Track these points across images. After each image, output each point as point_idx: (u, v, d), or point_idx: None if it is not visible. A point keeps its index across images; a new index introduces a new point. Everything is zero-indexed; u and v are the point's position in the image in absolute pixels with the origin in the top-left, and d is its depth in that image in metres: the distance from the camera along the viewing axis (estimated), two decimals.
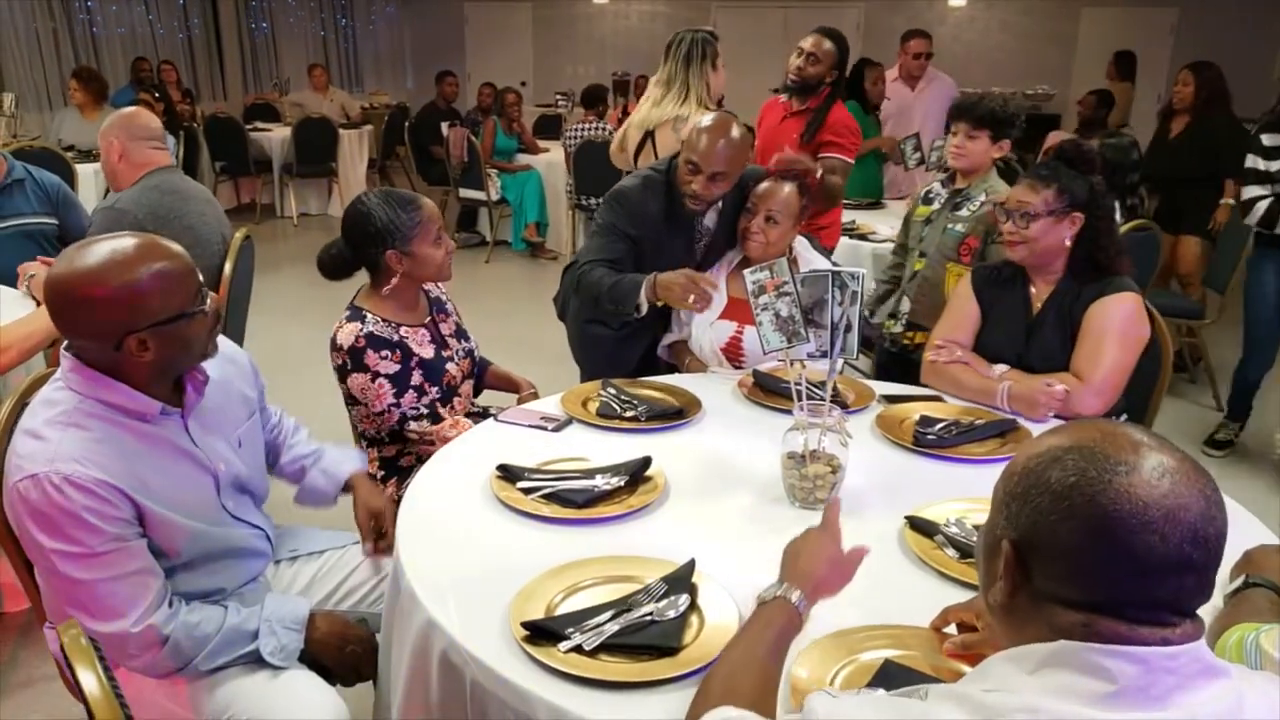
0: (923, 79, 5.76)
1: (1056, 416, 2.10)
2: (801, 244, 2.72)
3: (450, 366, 2.27)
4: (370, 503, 1.87)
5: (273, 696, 1.50)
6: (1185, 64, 4.90)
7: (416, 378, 2.19)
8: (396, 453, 2.26)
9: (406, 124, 8.60)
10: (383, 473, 2.26)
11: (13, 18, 8.66)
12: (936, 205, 3.05)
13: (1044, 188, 2.21)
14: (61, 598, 1.45)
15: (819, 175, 2.70)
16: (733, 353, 2.59)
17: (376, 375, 2.13)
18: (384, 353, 2.14)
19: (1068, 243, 2.23)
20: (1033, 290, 2.31)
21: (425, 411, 2.18)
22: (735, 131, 2.45)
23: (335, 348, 2.15)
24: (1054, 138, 8.25)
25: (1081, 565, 0.80)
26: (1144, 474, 0.79)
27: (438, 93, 8.55)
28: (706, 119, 2.49)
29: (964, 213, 2.94)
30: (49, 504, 1.37)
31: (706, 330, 2.62)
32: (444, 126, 7.56)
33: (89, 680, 1.00)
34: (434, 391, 2.22)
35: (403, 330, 2.20)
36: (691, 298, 2.28)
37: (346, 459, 1.95)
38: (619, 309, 2.45)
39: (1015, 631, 0.86)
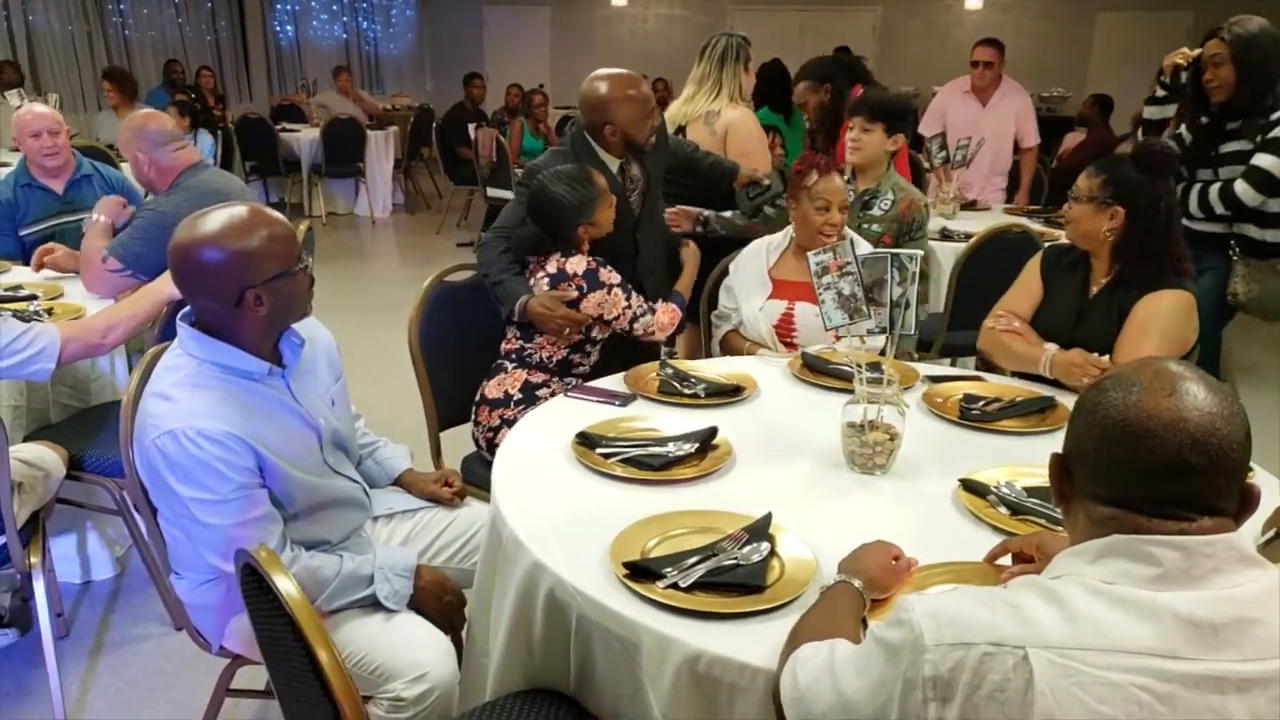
0: (996, 92, 5.21)
1: None
2: (851, 234, 2.85)
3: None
4: (425, 483, 2.06)
5: (388, 635, 1.66)
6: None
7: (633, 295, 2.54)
8: (542, 381, 2.52)
9: (434, 125, 8.77)
10: (520, 396, 2.49)
11: (48, 21, 8.87)
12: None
13: (1094, 176, 2.29)
14: (198, 543, 1.61)
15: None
16: (785, 330, 2.72)
17: (611, 287, 2.47)
18: (609, 268, 2.50)
19: (1106, 233, 2.28)
20: (1093, 275, 2.38)
21: (648, 308, 2.54)
22: (628, 82, 2.65)
23: (569, 275, 2.45)
24: (1071, 139, 8.37)
25: (1101, 467, 0.97)
26: (1153, 392, 0.94)
27: (465, 95, 8.73)
28: (603, 79, 2.65)
29: (876, 211, 3.10)
30: (185, 455, 1.53)
31: (758, 314, 2.76)
32: (471, 128, 7.72)
33: (284, 583, 1.14)
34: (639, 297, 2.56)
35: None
36: (567, 330, 2.46)
37: (399, 456, 2.13)
38: (497, 304, 2.56)
39: (1073, 532, 1.01)
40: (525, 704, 1.56)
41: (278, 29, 11.73)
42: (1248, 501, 0.97)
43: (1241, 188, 3.16)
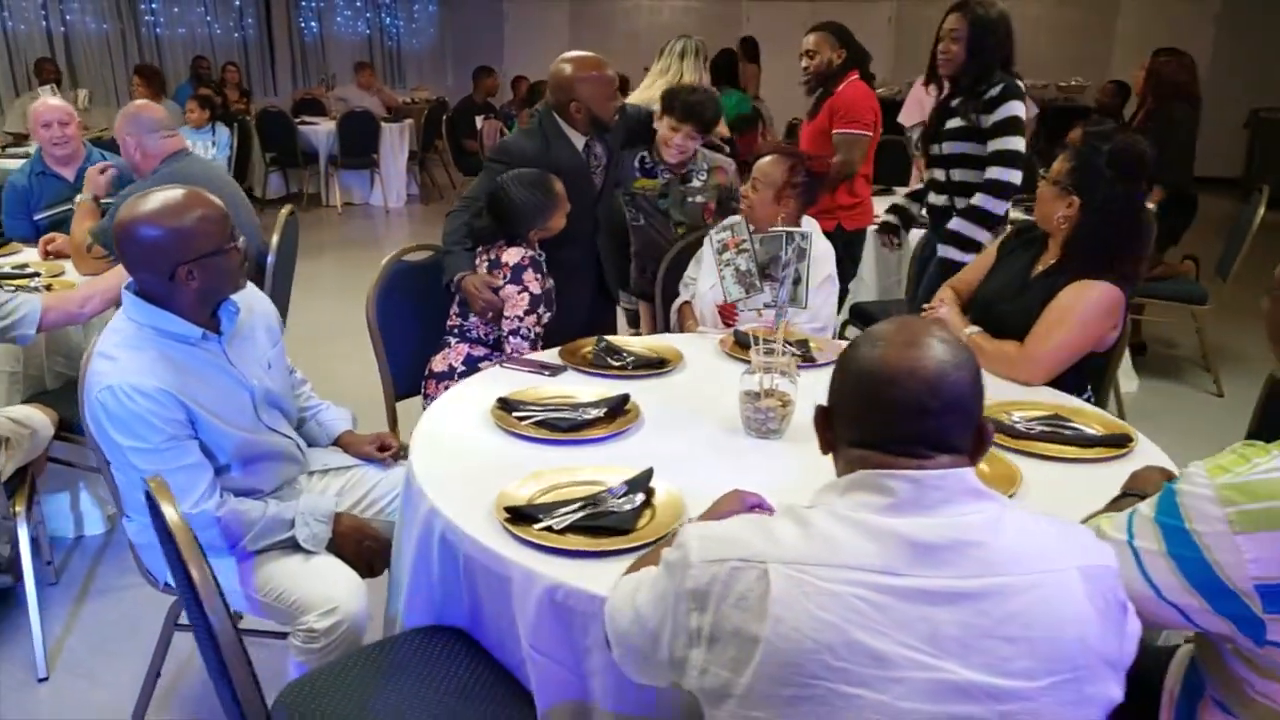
0: None
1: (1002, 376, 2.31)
2: (809, 224, 2.97)
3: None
4: (361, 444, 2.24)
5: (305, 573, 1.85)
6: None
7: (541, 306, 2.64)
8: (484, 355, 2.69)
9: (444, 118, 8.98)
10: (464, 369, 2.65)
11: (84, 20, 9.21)
12: (660, 179, 3.36)
13: (1066, 161, 2.33)
14: (137, 488, 1.79)
15: (824, 161, 2.97)
16: (728, 313, 2.88)
17: (526, 290, 2.60)
18: (541, 274, 2.65)
19: (1059, 220, 2.32)
20: (1042, 255, 2.44)
21: (532, 336, 2.64)
22: (590, 63, 2.85)
23: (501, 264, 2.62)
24: (1078, 131, 8.40)
25: (853, 414, 1.10)
26: (894, 345, 1.08)
27: (475, 87, 8.92)
28: (569, 61, 2.85)
29: (696, 183, 3.33)
30: (122, 408, 1.73)
31: (707, 293, 2.91)
32: (478, 120, 7.91)
33: (169, 511, 1.32)
34: (545, 319, 2.67)
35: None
36: (490, 314, 2.63)
37: (340, 419, 2.31)
38: (443, 269, 2.74)
39: (838, 473, 1.14)
40: (425, 637, 1.73)
41: (303, 25, 12.01)
42: (982, 440, 1.10)
43: (1002, 173, 3.08)
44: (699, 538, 1.10)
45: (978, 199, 3.11)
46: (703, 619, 1.05)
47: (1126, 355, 4.56)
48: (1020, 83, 3.14)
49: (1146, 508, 1.18)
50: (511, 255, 2.62)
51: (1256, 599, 1.05)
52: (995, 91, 3.10)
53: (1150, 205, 4.57)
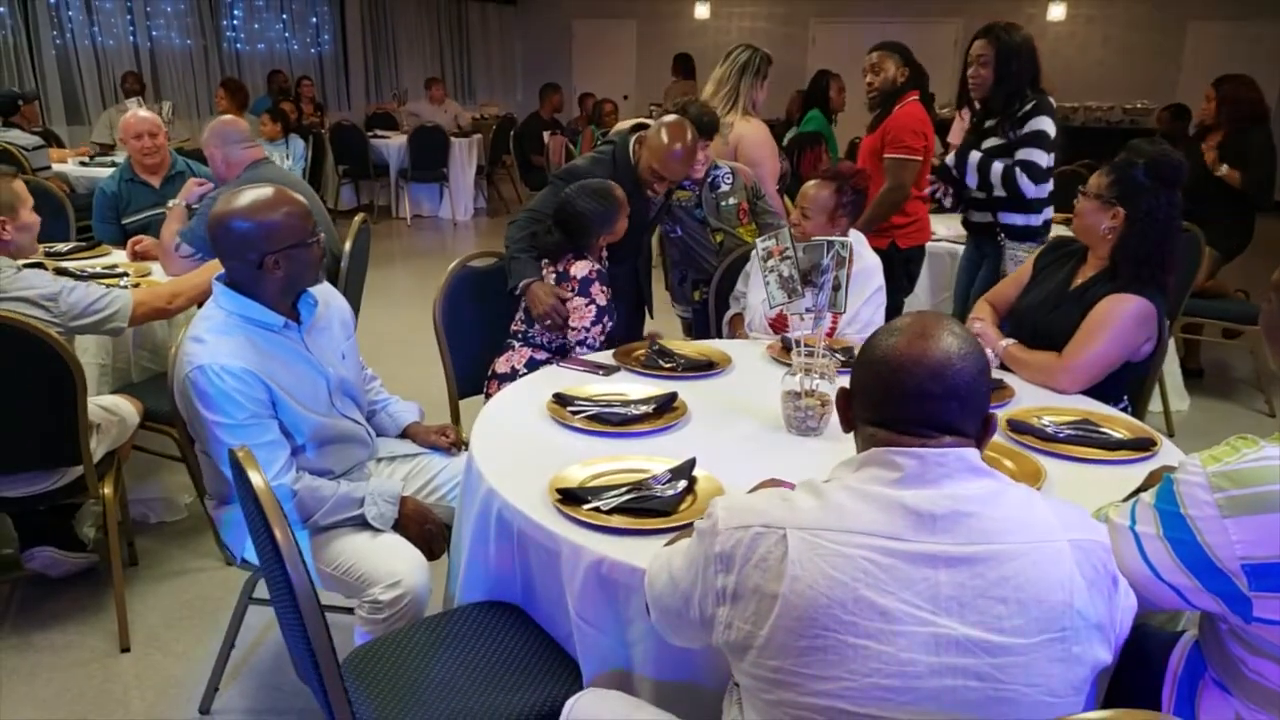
0: None
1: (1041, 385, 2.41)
2: (856, 236, 3.06)
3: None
4: (427, 434, 2.39)
5: (372, 549, 1.98)
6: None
7: (606, 317, 2.80)
8: (546, 359, 2.80)
9: (512, 133, 9.21)
10: (525, 371, 2.78)
11: (169, 35, 9.66)
12: (691, 190, 3.47)
13: (1105, 175, 2.41)
14: (220, 461, 1.96)
15: (865, 176, 3.06)
16: (779, 324, 2.97)
17: (594, 303, 2.76)
18: (607, 288, 2.81)
19: (1105, 232, 2.38)
20: (1080, 269, 2.52)
21: (598, 346, 2.79)
22: (685, 147, 2.96)
23: (570, 278, 2.78)
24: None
25: (869, 397, 1.21)
26: (905, 336, 1.19)
27: (541, 104, 9.15)
28: (669, 137, 2.94)
29: (725, 188, 3.44)
30: (210, 386, 1.90)
31: (758, 305, 3.00)
32: (545, 135, 8.12)
33: (256, 478, 1.46)
34: (609, 328, 2.82)
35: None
36: (549, 321, 2.77)
37: (408, 411, 2.47)
38: (507, 274, 2.89)
39: (857, 450, 1.24)
40: (481, 611, 1.86)
41: (376, 43, 12.40)
42: (987, 427, 1.20)
43: (1021, 179, 3.32)
44: (726, 508, 1.21)
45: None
46: (728, 579, 1.16)
47: (1179, 375, 4.55)
48: (1051, 99, 3.34)
49: (1148, 496, 1.27)
50: (580, 269, 2.77)
51: (1243, 577, 1.13)
52: (1028, 108, 3.31)
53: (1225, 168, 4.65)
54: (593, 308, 2.76)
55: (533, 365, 2.80)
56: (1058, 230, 3.46)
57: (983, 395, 1.19)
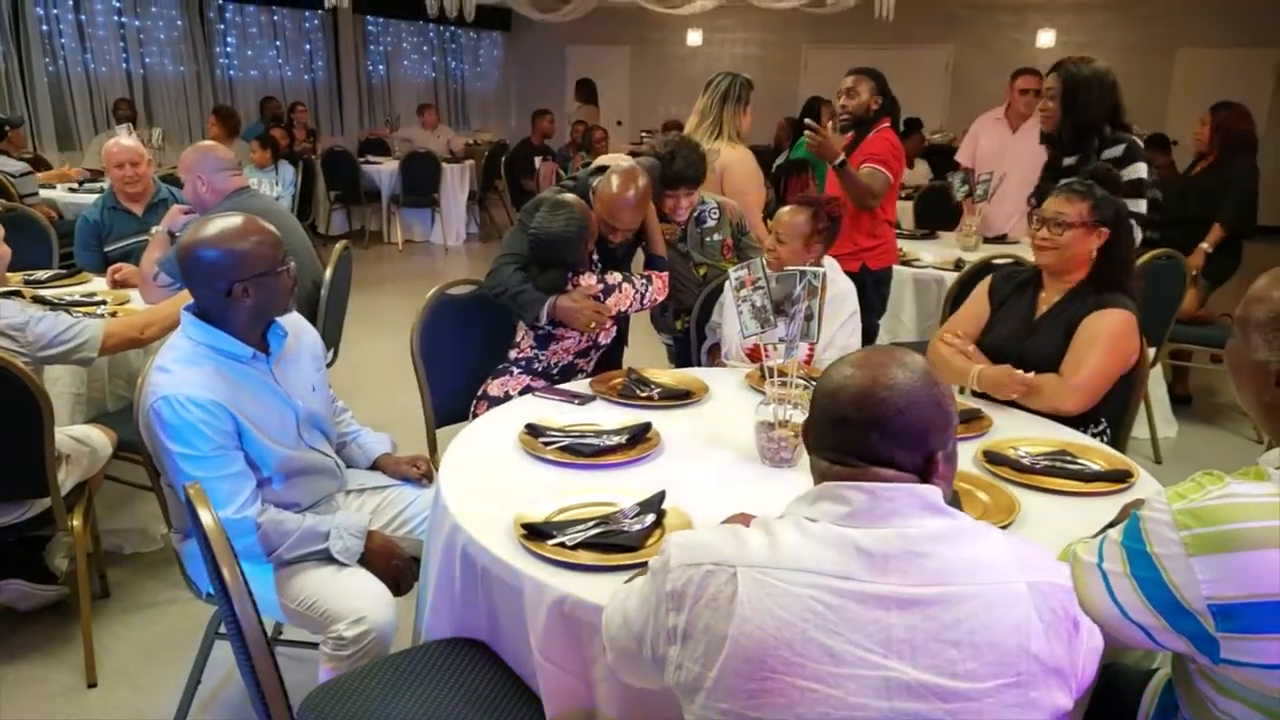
0: (1029, 119, 5.13)
1: (1030, 410, 2.39)
2: (829, 264, 3.06)
3: None
4: (398, 464, 2.37)
5: (336, 584, 1.95)
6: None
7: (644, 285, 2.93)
8: (541, 389, 2.72)
9: (503, 159, 9.22)
10: (517, 399, 2.70)
11: (161, 61, 9.69)
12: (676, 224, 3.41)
13: (1080, 201, 2.43)
14: (180, 492, 1.91)
15: (839, 203, 3.04)
16: (755, 353, 2.94)
17: (620, 285, 2.88)
18: (610, 271, 2.91)
19: (1094, 254, 2.45)
20: (1042, 295, 2.55)
21: (646, 283, 2.93)
22: (637, 194, 2.79)
23: (587, 293, 2.84)
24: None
25: (817, 426, 1.21)
26: (855, 367, 1.19)
27: (533, 130, 9.18)
28: (620, 185, 2.78)
29: (710, 223, 3.40)
30: (175, 417, 1.87)
31: (734, 336, 2.98)
32: (536, 161, 8.13)
33: (206, 516, 1.43)
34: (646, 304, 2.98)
35: None
36: (594, 324, 2.77)
37: (379, 442, 2.44)
38: (521, 314, 2.86)
39: (813, 482, 1.22)
40: (446, 648, 1.82)
41: (370, 68, 12.46)
42: (931, 464, 1.16)
43: (1135, 232, 3.21)
44: (679, 544, 1.18)
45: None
46: (679, 618, 1.13)
47: (1167, 402, 4.53)
48: (1139, 139, 3.34)
49: (1115, 533, 1.24)
50: (586, 279, 2.83)
51: (1210, 618, 1.10)
52: (1118, 151, 3.29)
53: (1205, 247, 4.66)
54: (625, 286, 2.88)
55: (527, 394, 2.76)
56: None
57: (915, 430, 1.15)
